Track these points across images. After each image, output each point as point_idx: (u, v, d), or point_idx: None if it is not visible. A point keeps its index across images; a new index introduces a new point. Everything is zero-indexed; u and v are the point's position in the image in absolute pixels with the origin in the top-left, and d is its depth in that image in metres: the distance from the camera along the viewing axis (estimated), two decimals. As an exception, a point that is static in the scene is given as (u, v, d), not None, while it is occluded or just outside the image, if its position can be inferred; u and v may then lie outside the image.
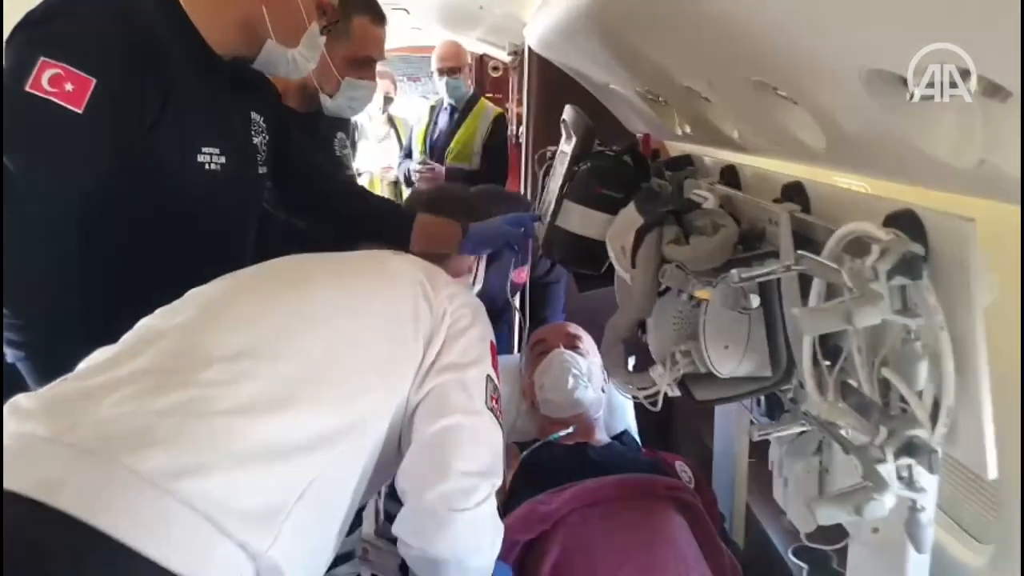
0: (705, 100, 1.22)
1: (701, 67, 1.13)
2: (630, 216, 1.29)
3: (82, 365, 0.87)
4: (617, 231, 1.35)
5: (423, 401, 0.97)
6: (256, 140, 1.34)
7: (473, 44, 3.91)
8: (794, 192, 0.97)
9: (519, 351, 2.09)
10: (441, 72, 3.30)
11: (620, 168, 1.46)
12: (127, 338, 0.90)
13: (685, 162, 1.46)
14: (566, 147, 1.59)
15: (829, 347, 0.83)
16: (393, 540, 0.98)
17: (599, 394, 1.78)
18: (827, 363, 0.83)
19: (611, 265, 1.40)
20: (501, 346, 1.36)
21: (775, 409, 1.16)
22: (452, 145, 3.34)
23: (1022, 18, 0.46)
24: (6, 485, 0.69)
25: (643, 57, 1.30)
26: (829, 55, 0.72)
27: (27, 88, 0.99)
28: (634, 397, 1.24)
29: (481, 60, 4.45)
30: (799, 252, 0.81)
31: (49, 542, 0.67)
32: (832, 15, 0.66)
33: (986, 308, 0.66)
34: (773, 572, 1.49)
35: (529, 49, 2.68)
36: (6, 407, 0.79)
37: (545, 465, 1.57)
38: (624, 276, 1.29)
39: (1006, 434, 0.69)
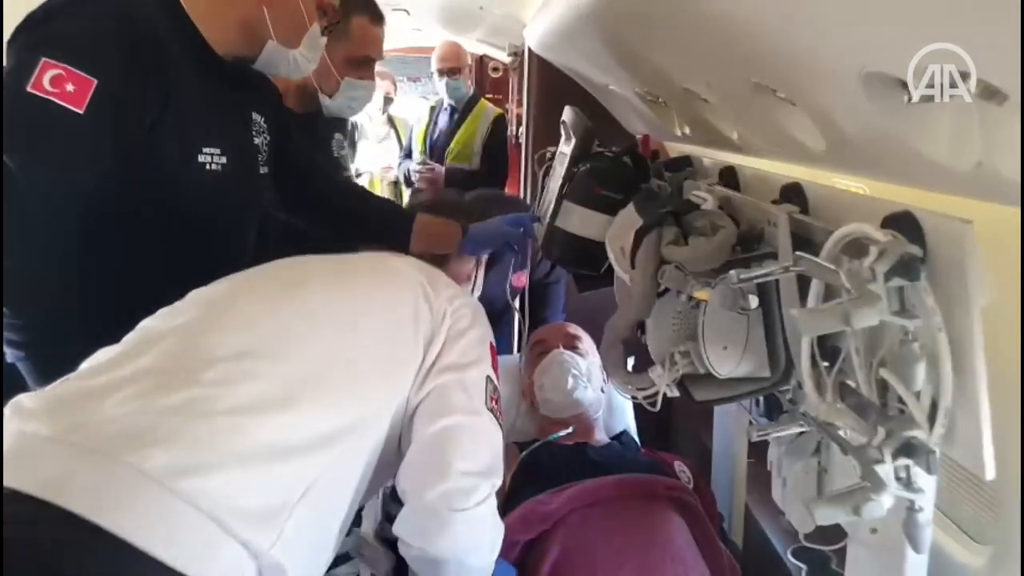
0: (704, 101, 1.22)
1: (700, 69, 1.13)
2: (629, 217, 1.29)
3: (84, 365, 0.87)
4: (616, 232, 1.36)
5: (423, 401, 0.98)
6: (257, 140, 1.34)
7: (473, 45, 3.91)
8: (793, 193, 0.97)
9: (519, 351, 2.09)
10: (441, 73, 3.30)
11: (619, 169, 1.47)
12: (129, 338, 0.90)
13: (684, 163, 1.46)
14: (565, 148, 1.60)
15: (827, 348, 0.84)
16: (393, 541, 0.98)
17: (598, 394, 1.78)
18: (825, 364, 0.83)
19: (610, 266, 1.40)
20: (501, 346, 1.36)
21: (774, 410, 1.16)
22: (452, 145, 3.34)
23: (1022, 21, 0.46)
24: (11, 484, 0.69)
25: (643, 58, 1.31)
26: (828, 57, 0.73)
27: (28, 88, 0.99)
28: (633, 397, 1.24)
29: (481, 61, 4.45)
30: (797, 253, 0.81)
31: (54, 541, 0.67)
32: (830, 17, 0.67)
33: (984, 309, 0.66)
34: (772, 572, 1.49)
35: (529, 50, 2.69)
36: (8, 407, 0.79)
37: (545, 465, 1.57)
38: (623, 277, 1.30)
39: (1004, 435, 0.69)
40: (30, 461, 0.72)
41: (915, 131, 0.68)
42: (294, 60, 1.29)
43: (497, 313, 1.82)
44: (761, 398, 1.19)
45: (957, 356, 0.67)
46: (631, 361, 1.25)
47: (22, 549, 0.66)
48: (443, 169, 3.30)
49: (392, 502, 1.38)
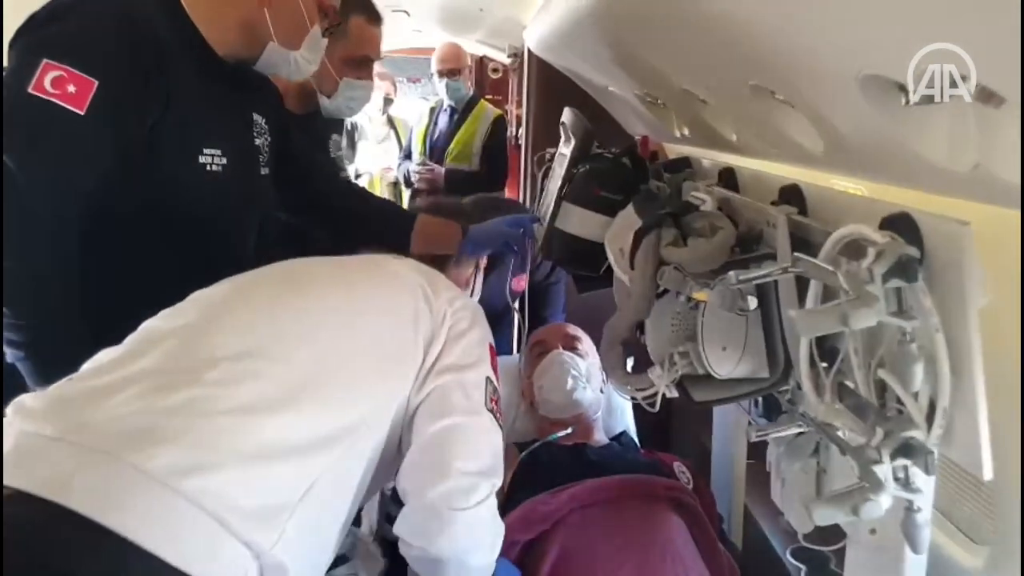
0: (703, 103, 1.23)
1: (699, 70, 1.13)
2: (628, 218, 1.30)
3: (87, 366, 0.87)
4: (616, 233, 1.36)
5: (423, 402, 0.98)
6: (258, 141, 1.34)
7: (473, 46, 3.92)
8: (791, 195, 0.98)
9: (519, 352, 2.09)
10: (441, 74, 3.30)
11: (619, 170, 1.47)
12: (131, 339, 0.90)
13: (683, 164, 1.46)
14: (565, 149, 1.60)
15: (826, 349, 0.84)
16: (392, 542, 0.99)
17: (598, 395, 1.78)
18: (824, 364, 0.83)
19: (610, 267, 1.40)
20: (501, 347, 1.37)
21: (773, 410, 1.17)
22: (452, 146, 3.34)
23: (1022, 23, 0.46)
24: (16, 484, 0.69)
25: (642, 60, 1.31)
26: (826, 59, 0.73)
27: (30, 90, 0.99)
28: (633, 398, 1.25)
29: (481, 62, 4.46)
30: (796, 254, 0.81)
31: (58, 540, 0.67)
32: (828, 19, 0.67)
33: (982, 310, 0.66)
34: (771, 573, 1.50)
35: (529, 51, 2.69)
36: (10, 407, 0.79)
37: (544, 465, 1.58)
38: (623, 278, 1.30)
39: (1002, 435, 0.69)
40: (33, 460, 0.72)
41: (913, 133, 0.68)
42: (295, 61, 1.29)
43: (497, 316, 1.82)
44: (760, 399, 1.19)
45: (955, 357, 0.68)
46: (630, 362, 1.25)
47: (24, 548, 0.66)
48: (443, 170, 3.31)
49: (392, 503, 1.38)
